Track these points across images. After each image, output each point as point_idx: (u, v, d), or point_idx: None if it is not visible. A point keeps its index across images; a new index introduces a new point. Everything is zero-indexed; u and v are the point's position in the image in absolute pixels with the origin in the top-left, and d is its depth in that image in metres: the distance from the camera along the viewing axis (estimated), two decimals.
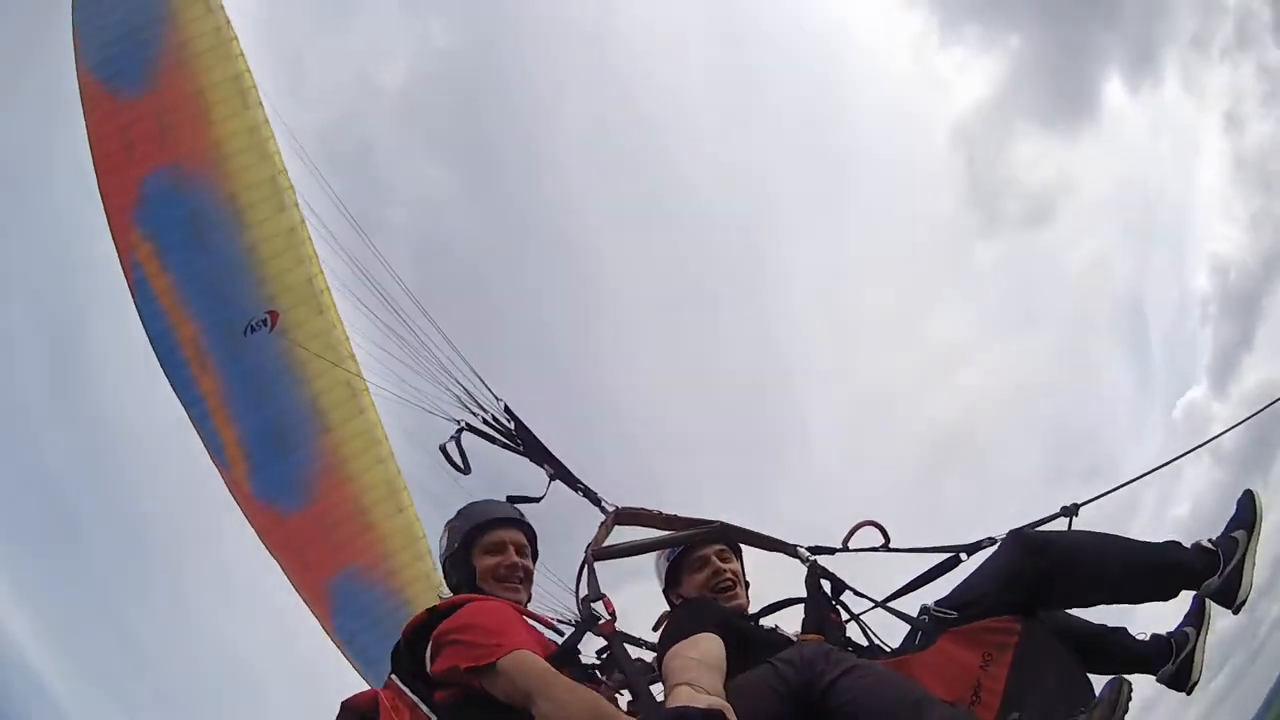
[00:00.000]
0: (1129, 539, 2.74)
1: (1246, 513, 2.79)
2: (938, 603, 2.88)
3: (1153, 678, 2.96)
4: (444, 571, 3.19)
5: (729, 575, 3.23)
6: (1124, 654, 3.01)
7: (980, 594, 2.73)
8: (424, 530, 5.50)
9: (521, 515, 3.31)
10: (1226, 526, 2.80)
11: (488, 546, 3.05)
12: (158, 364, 5.17)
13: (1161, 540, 2.80)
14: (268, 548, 5.40)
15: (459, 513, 3.30)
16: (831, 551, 3.34)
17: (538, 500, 3.62)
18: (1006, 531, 2.91)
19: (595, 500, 3.71)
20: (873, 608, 3.08)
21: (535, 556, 3.20)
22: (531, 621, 2.70)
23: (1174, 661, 2.95)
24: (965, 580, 2.90)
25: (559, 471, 3.85)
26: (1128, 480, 3.24)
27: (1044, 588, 2.65)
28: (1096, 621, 3.08)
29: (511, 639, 2.34)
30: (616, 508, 3.59)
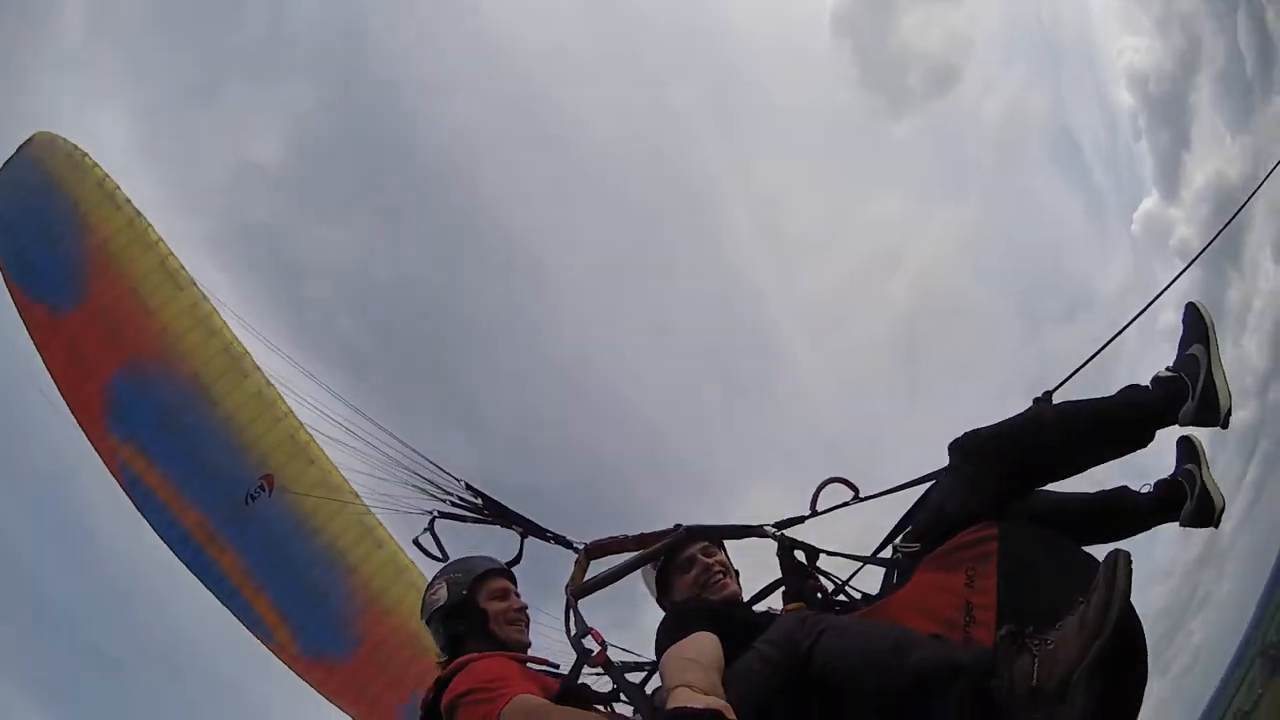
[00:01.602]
0: (1079, 401, 2.64)
1: (1196, 325, 2.65)
2: (904, 537, 2.84)
3: (1176, 525, 2.77)
4: (439, 622, 3.11)
5: (717, 567, 3.20)
6: (1133, 513, 2.84)
7: (942, 515, 2.62)
8: None
9: (507, 566, 3.39)
10: (1180, 346, 2.69)
11: (493, 593, 3.14)
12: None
13: (1118, 390, 2.67)
14: (327, 697, 5.38)
15: (450, 568, 3.36)
16: (801, 520, 3.25)
17: (517, 562, 3.56)
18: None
19: (566, 544, 3.65)
20: (859, 568, 2.96)
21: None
22: (535, 665, 2.85)
23: (1191, 499, 2.73)
24: (926, 506, 2.79)
25: (528, 528, 3.79)
26: (1086, 359, 3.00)
27: (1006, 482, 2.53)
28: (1089, 491, 2.89)
29: (510, 688, 2.45)
30: (585, 545, 3.46)
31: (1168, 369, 2.56)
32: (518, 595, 3.28)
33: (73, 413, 5.23)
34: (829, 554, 3.09)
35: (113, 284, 5.21)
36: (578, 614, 2.91)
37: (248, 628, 5.42)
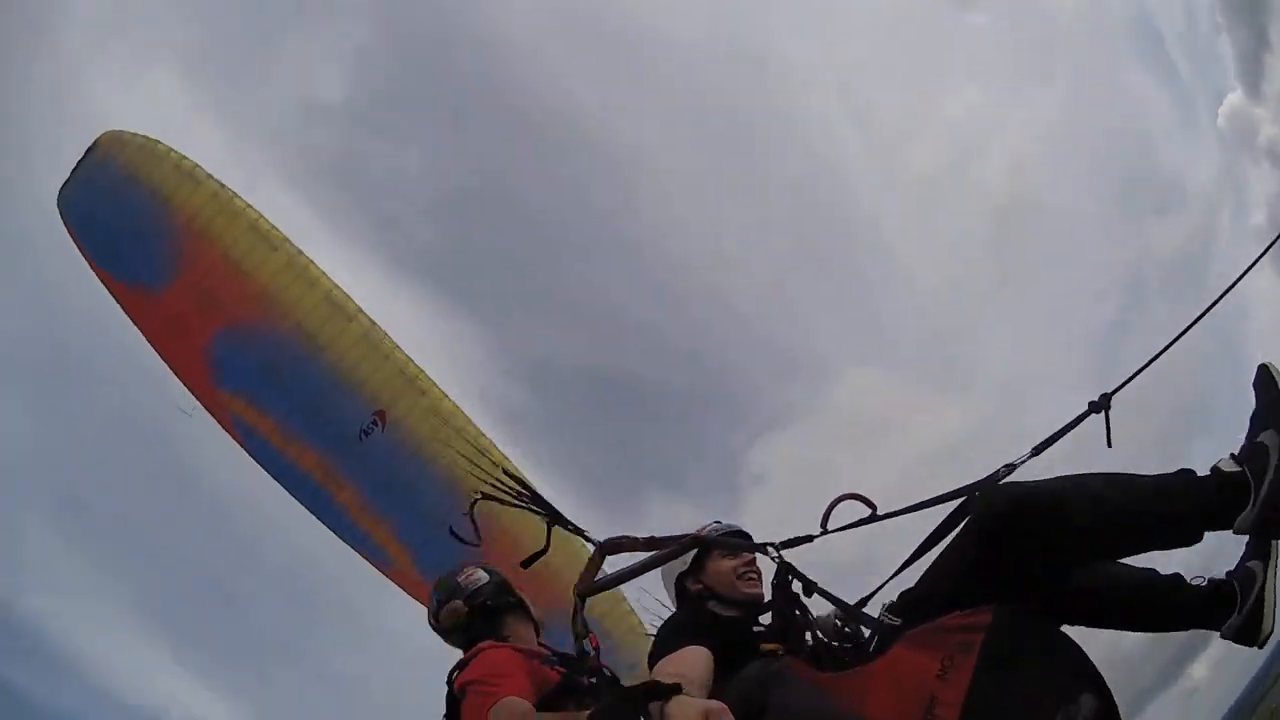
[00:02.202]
0: (1122, 482, 2.15)
1: (1271, 408, 2.15)
2: (892, 604, 2.55)
3: (1216, 634, 2.35)
4: (471, 612, 3.26)
5: (754, 565, 3.10)
6: (1177, 610, 2.42)
7: (936, 586, 2.34)
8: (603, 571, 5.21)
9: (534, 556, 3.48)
10: (1251, 424, 2.19)
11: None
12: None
13: (1173, 473, 2.16)
14: None
15: (468, 564, 3.61)
16: (809, 539, 2.96)
17: (545, 553, 3.50)
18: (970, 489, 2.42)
19: (585, 537, 3.51)
20: (846, 615, 2.63)
21: None
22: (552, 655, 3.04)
23: (1240, 611, 2.31)
24: (931, 563, 2.44)
25: (555, 517, 3.62)
26: (1154, 356, 2.57)
27: (1015, 569, 2.15)
28: (1134, 566, 2.45)
29: (506, 686, 2.60)
30: (601, 541, 3.29)
31: (1233, 456, 2.10)
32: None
33: (178, 377, 5.32)
34: (822, 593, 2.78)
35: (204, 255, 5.20)
36: (582, 616, 2.98)
37: (366, 556, 5.48)
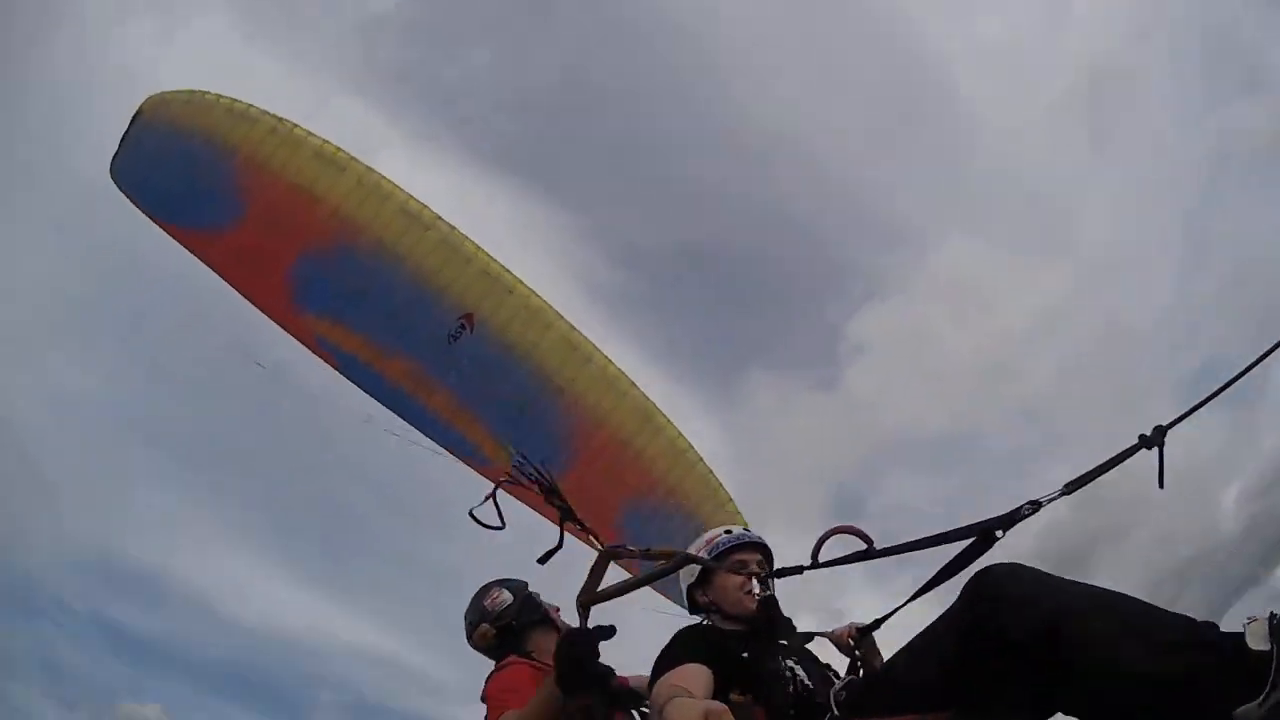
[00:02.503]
0: (1137, 621, 1.84)
1: None
2: (860, 680, 2.89)
3: None
4: (497, 632, 3.85)
5: (760, 581, 3.25)
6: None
7: (904, 673, 2.36)
8: (688, 441, 5.68)
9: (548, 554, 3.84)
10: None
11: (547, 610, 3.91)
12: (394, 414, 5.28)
13: (1199, 625, 1.83)
14: (546, 511, 5.59)
15: (495, 583, 4.05)
16: (799, 570, 3.23)
17: (559, 549, 3.86)
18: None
19: (594, 537, 4.06)
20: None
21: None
22: None
23: (1263, 699, 1.74)
24: (910, 642, 2.38)
25: (566, 513, 4.10)
26: (1209, 396, 2.31)
27: (991, 678, 1.99)
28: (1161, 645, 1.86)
29: (513, 701, 3.14)
30: (602, 550, 3.67)
31: (1272, 620, 1.66)
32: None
33: (262, 309, 5.21)
34: (801, 637, 3.08)
35: (269, 188, 4.99)
36: (585, 625, 3.26)
37: (462, 457, 5.41)
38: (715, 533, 3.36)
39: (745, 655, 2.81)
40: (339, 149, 4.97)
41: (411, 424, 5.19)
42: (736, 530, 3.36)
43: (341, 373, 5.06)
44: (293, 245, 5.03)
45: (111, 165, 5.36)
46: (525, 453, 4.32)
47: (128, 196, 5.42)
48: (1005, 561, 2.09)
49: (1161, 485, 2.18)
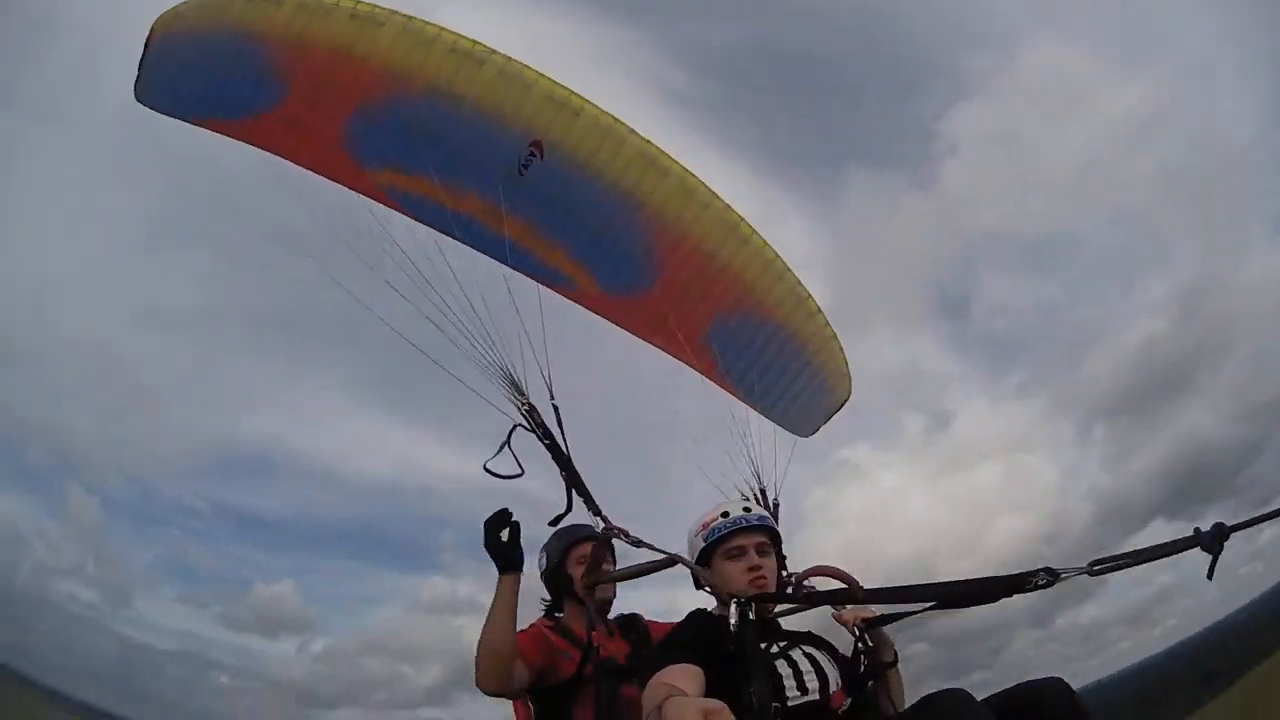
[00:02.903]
0: None
1: None
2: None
3: None
4: (545, 583, 4.30)
5: (763, 572, 3.29)
6: None
7: None
8: (775, 251, 5.50)
9: (597, 532, 4.21)
10: None
11: (579, 559, 4.15)
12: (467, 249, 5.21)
13: None
14: (634, 332, 5.66)
15: (553, 535, 4.36)
16: (780, 598, 3.22)
17: (568, 511, 4.21)
18: None
19: (595, 510, 4.15)
20: None
21: (615, 561, 4.17)
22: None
23: None
24: None
25: (571, 479, 4.21)
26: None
27: None
28: None
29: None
30: (599, 536, 4.03)
31: None
32: (611, 558, 4.11)
33: (321, 174, 5.10)
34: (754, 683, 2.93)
35: (306, 60, 4.78)
36: (590, 611, 3.78)
37: (546, 283, 5.42)
38: (712, 515, 3.35)
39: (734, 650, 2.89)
40: (375, 6, 4.71)
41: (495, 257, 5.20)
42: (734, 514, 3.32)
43: (415, 217, 5.00)
44: (343, 107, 4.88)
45: (135, 89, 5.23)
46: (534, 403, 4.42)
47: (161, 111, 5.31)
48: (955, 691, 2.24)
49: (1210, 578, 2.12)
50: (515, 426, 4.30)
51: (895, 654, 3.32)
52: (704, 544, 3.33)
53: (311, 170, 5.02)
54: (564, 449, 4.30)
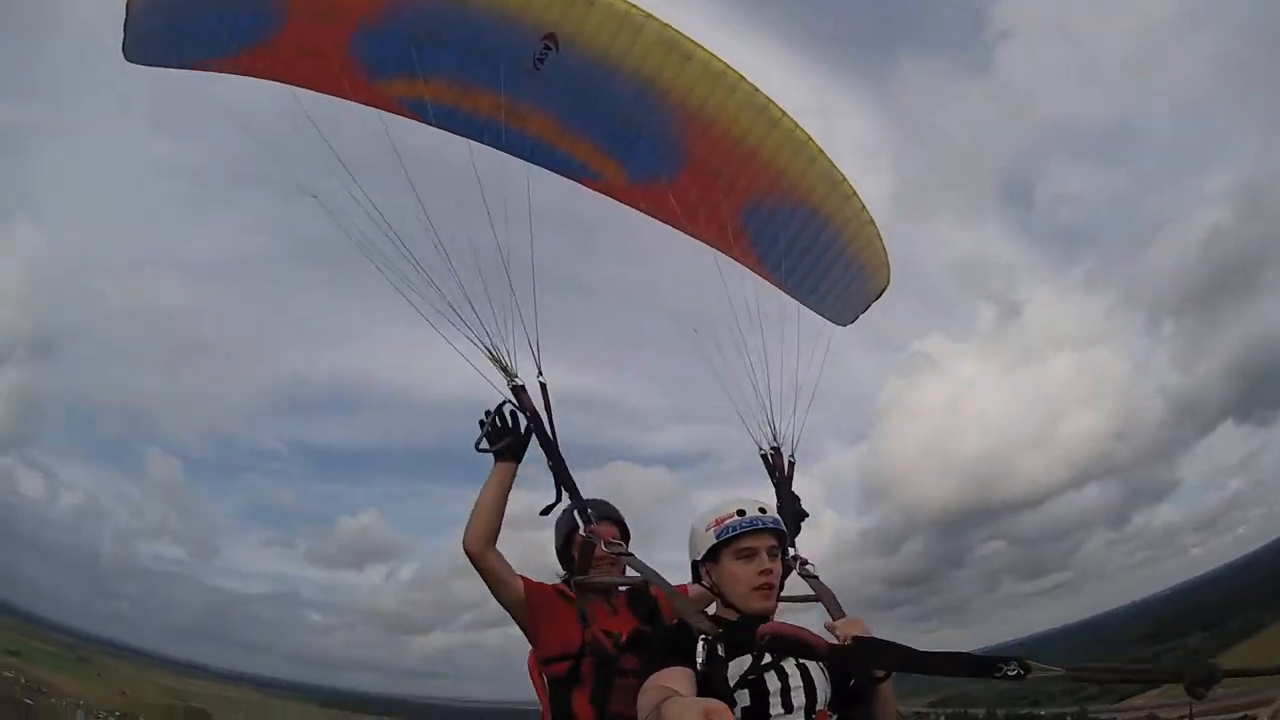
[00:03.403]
0: None
1: None
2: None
3: None
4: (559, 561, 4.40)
5: (772, 578, 3.24)
6: None
7: None
8: (807, 133, 5.32)
9: (615, 512, 4.34)
10: None
11: (580, 543, 4.15)
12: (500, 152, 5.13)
13: None
14: (664, 220, 5.56)
15: (564, 513, 4.36)
16: (745, 642, 3.02)
17: (559, 502, 4.25)
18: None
19: (582, 508, 4.17)
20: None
21: (628, 537, 4.26)
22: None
23: None
24: None
25: (557, 465, 4.20)
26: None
27: None
28: None
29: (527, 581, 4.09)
30: (584, 536, 4.08)
31: None
32: (615, 536, 4.14)
33: (330, 93, 4.99)
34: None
35: None
36: (582, 610, 3.85)
37: (572, 175, 5.39)
38: (726, 512, 3.24)
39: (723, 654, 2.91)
40: None
41: (520, 155, 5.13)
42: (750, 514, 3.22)
43: (431, 123, 4.90)
44: (345, 23, 4.80)
45: (124, 50, 5.15)
46: (523, 382, 4.39)
47: (155, 65, 5.24)
48: None
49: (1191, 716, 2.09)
50: (504, 403, 4.27)
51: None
52: (715, 540, 3.26)
53: (321, 92, 4.96)
54: (550, 433, 4.25)
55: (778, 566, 3.27)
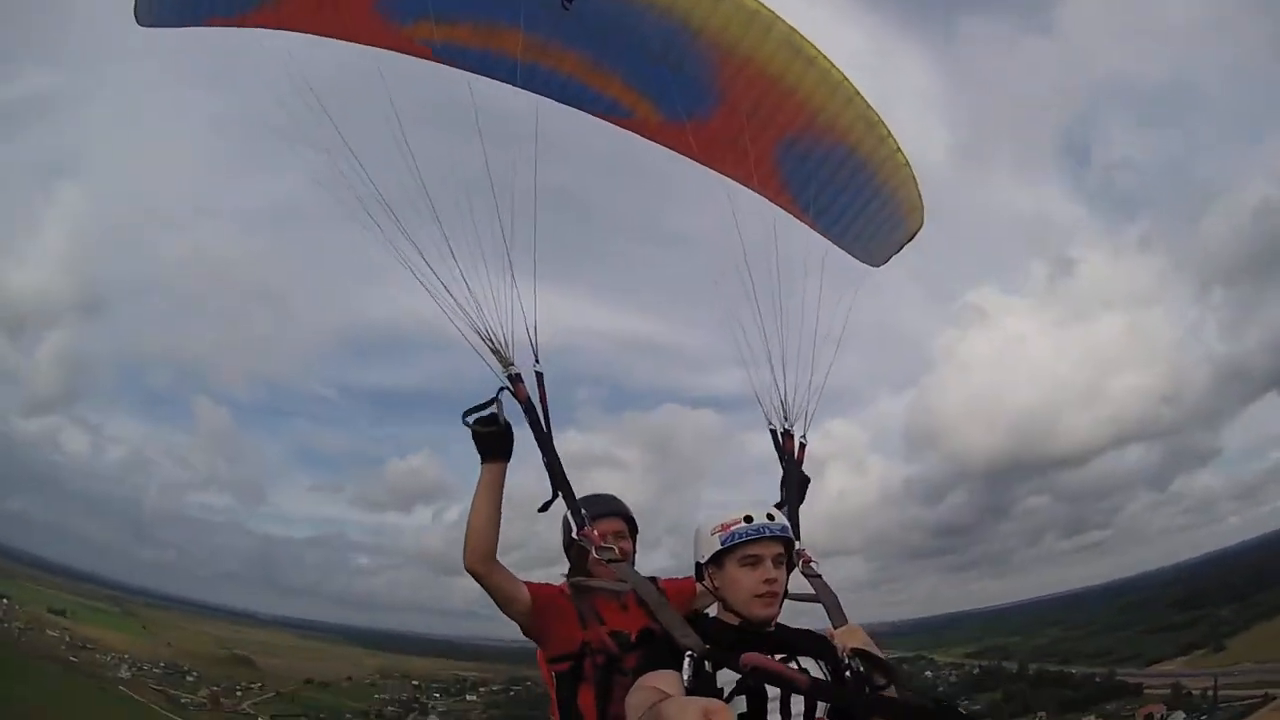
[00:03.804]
0: None
1: None
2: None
3: None
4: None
5: (776, 587, 3.23)
6: None
7: None
8: (843, 74, 5.19)
9: (622, 506, 4.35)
10: None
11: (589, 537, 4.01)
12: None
13: None
14: (698, 159, 5.51)
15: (582, 503, 4.18)
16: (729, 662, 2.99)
17: (555, 499, 4.09)
18: None
19: (577, 512, 4.06)
20: None
21: (635, 530, 4.32)
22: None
23: None
24: None
25: (551, 462, 4.06)
26: None
27: None
28: None
29: (531, 585, 4.08)
30: (576, 538, 4.00)
31: None
32: (623, 534, 4.18)
33: (353, 40, 4.94)
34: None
35: None
36: (580, 610, 3.89)
37: (602, 115, 5.35)
38: (734, 518, 3.23)
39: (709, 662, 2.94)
40: None
41: (542, 92, 5.08)
42: (759, 521, 3.20)
43: (460, 66, 4.84)
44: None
45: (136, 14, 4.95)
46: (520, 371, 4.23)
47: (170, 25, 5.10)
48: None
49: None
50: (502, 390, 4.12)
51: (890, 676, 3.25)
52: (720, 546, 3.24)
53: (343, 39, 4.91)
54: (545, 426, 4.11)
55: (782, 575, 3.26)
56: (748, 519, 3.21)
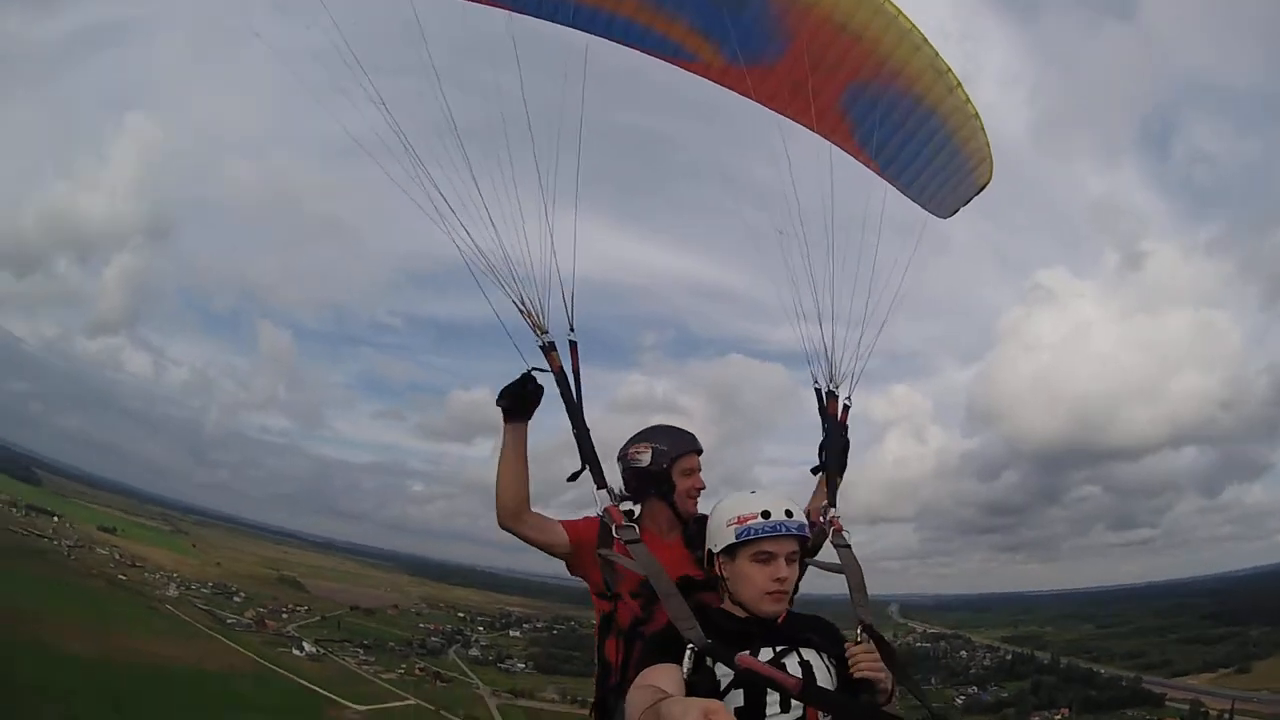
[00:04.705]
0: None
1: None
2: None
3: None
4: (632, 476, 4.20)
5: (786, 586, 3.20)
6: None
7: None
8: (911, 21, 5.02)
9: (698, 442, 4.22)
10: None
11: (685, 470, 4.12)
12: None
13: None
14: (762, 102, 5.38)
15: (654, 434, 4.25)
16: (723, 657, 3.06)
17: (584, 470, 4.02)
18: None
19: (601, 482, 3.99)
20: None
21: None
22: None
23: None
24: None
25: (581, 434, 4.01)
26: None
27: None
28: None
29: (566, 524, 4.13)
30: (601, 515, 3.94)
31: None
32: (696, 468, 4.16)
33: None
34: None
35: None
36: (608, 574, 3.83)
37: (666, 57, 5.23)
38: (751, 512, 3.18)
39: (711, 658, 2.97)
40: None
41: (612, 37, 4.99)
42: (775, 518, 3.15)
43: (524, 12, 4.73)
44: None
45: None
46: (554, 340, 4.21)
47: None
48: None
49: None
50: (531, 371, 4.10)
51: (892, 661, 3.27)
52: (734, 539, 3.21)
53: None
54: (575, 398, 4.07)
55: (794, 573, 3.24)
56: (765, 514, 3.19)
